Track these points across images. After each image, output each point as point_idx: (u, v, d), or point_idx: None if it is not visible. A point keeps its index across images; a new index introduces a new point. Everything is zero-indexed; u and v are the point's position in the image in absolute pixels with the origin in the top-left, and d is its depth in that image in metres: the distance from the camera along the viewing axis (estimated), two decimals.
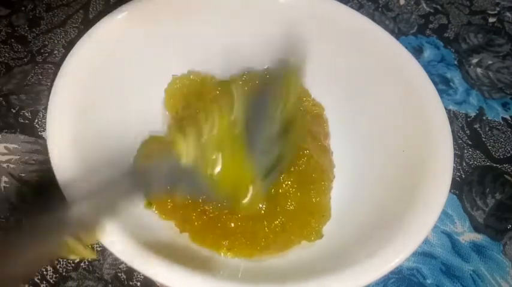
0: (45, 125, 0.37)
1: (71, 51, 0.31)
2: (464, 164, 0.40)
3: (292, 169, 0.32)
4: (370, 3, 0.51)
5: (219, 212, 0.30)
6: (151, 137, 0.33)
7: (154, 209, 0.31)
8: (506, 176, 0.39)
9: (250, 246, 0.30)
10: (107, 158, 0.31)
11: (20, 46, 0.43)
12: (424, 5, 0.51)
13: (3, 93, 0.39)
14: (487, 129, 0.42)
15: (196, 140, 0.31)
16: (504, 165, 0.40)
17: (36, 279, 0.31)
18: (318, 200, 0.32)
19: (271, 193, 0.31)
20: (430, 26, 0.49)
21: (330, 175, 0.34)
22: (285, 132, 0.33)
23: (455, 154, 0.34)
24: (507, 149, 0.41)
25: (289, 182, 0.31)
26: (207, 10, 0.37)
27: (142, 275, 0.31)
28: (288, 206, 0.31)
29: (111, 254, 0.32)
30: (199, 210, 0.30)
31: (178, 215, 0.30)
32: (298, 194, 0.31)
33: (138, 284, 0.32)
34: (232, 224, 0.30)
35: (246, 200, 0.30)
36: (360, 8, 0.50)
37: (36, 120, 0.38)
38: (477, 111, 0.43)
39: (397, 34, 0.48)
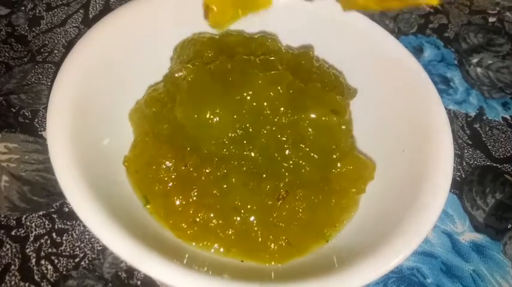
0: (45, 124, 0.37)
1: (71, 51, 0.31)
2: (464, 163, 0.40)
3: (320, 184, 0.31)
4: None
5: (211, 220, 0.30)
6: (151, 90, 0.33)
7: (150, 209, 0.30)
8: (506, 176, 0.39)
9: (249, 255, 0.30)
10: (106, 157, 0.31)
11: (19, 46, 0.43)
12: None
13: (3, 93, 0.39)
14: (487, 129, 0.42)
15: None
16: (504, 165, 0.40)
17: (36, 278, 0.31)
18: (337, 214, 0.31)
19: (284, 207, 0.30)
20: (430, 25, 0.49)
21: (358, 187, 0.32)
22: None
23: (455, 154, 0.34)
24: (507, 149, 0.41)
25: (302, 197, 0.30)
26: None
27: (143, 274, 0.31)
28: (294, 225, 0.30)
29: (111, 253, 0.32)
30: (190, 220, 0.30)
31: (169, 224, 0.30)
32: (316, 210, 0.30)
33: (139, 283, 0.32)
34: (229, 233, 0.30)
35: None
36: None
37: (36, 120, 0.38)
38: (477, 111, 0.43)
39: (397, 34, 0.48)
